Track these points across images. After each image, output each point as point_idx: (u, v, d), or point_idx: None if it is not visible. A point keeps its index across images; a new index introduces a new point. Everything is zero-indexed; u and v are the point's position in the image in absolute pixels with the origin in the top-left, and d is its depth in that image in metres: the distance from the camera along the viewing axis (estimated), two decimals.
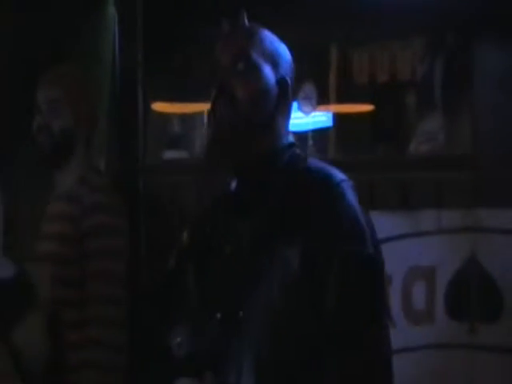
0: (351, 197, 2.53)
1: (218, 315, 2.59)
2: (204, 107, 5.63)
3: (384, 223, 3.40)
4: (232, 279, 2.63)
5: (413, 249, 3.79)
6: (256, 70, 2.57)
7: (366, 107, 4.33)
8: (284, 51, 2.68)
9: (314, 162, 2.66)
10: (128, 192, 4.42)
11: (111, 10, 4.76)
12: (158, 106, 4.90)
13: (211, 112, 2.58)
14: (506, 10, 3.63)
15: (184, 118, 5.84)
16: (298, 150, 2.68)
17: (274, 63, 2.62)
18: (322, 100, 4.23)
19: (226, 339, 2.62)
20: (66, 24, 4.96)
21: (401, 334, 3.68)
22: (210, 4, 4.70)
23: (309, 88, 4.21)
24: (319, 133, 4.38)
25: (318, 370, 2.53)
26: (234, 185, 2.70)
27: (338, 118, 4.40)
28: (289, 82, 2.63)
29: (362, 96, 4.31)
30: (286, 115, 2.67)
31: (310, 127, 4.51)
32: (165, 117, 5.11)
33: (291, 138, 2.72)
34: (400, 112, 4.35)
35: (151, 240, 4.52)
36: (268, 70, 2.59)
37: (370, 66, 4.16)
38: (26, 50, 4.75)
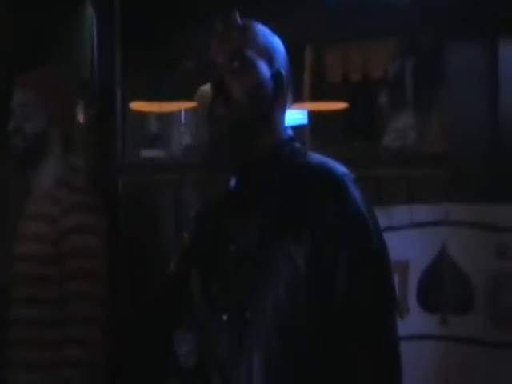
0: (354, 190, 2.53)
1: (225, 317, 2.61)
2: (181, 106, 5.67)
3: None
4: (237, 279, 2.63)
5: (387, 243, 3.79)
6: (251, 67, 2.58)
7: (340, 105, 4.37)
8: (278, 44, 2.70)
9: (315, 155, 2.66)
10: (107, 191, 4.45)
11: (89, 10, 4.76)
12: (136, 105, 4.92)
13: (210, 111, 2.59)
14: (474, 11, 3.62)
15: (161, 117, 5.90)
16: (297, 144, 2.70)
17: (269, 57, 2.63)
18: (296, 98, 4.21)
19: (234, 341, 2.61)
20: (44, 24, 4.97)
21: None
22: (188, 3, 4.72)
23: None
24: (294, 130, 4.39)
25: (327, 365, 2.54)
26: (234, 183, 2.71)
27: (312, 115, 4.44)
28: (283, 74, 2.63)
29: (335, 94, 4.35)
30: (283, 108, 2.68)
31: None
32: (142, 116, 5.15)
33: (290, 132, 2.72)
34: (372, 110, 4.37)
35: (129, 239, 4.54)
36: (263, 66, 2.60)
37: (343, 65, 4.22)
38: (4, 50, 4.77)
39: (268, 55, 2.63)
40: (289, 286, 2.50)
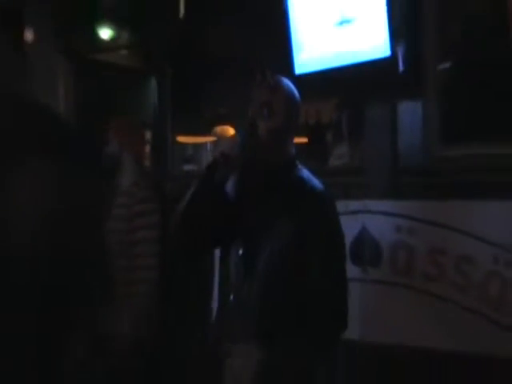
0: (329, 201, 2.62)
1: (240, 251, 2.64)
2: (206, 139, 5.48)
3: None
4: (251, 231, 2.61)
5: None
6: (275, 115, 2.56)
7: (303, 139, 4.34)
8: (295, 97, 2.64)
9: (306, 172, 2.65)
10: (161, 190, 4.37)
11: (152, 79, 4.89)
12: (180, 138, 4.94)
13: (247, 140, 2.57)
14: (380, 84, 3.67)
15: (195, 145, 5.98)
16: (297, 162, 2.68)
17: (288, 109, 2.60)
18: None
19: (243, 267, 2.62)
20: (126, 87, 5.14)
21: None
22: (214, 70, 4.72)
23: None
24: None
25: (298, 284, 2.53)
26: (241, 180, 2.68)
27: None
28: (296, 120, 2.66)
29: (300, 131, 4.02)
30: (292, 138, 2.69)
31: None
32: (183, 144, 5.13)
33: (294, 151, 2.69)
34: (323, 142, 4.32)
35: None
36: (283, 115, 2.57)
37: (306, 115, 4.17)
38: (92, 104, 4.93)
39: (288, 105, 2.61)
40: (281, 243, 2.52)
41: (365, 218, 3.78)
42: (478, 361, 3.35)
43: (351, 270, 3.58)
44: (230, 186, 2.69)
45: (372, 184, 3.81)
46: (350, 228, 3.71)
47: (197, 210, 2.60)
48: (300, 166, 2.67)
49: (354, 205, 3.79)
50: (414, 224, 3.63)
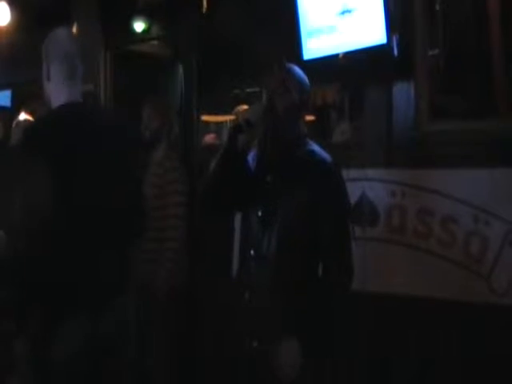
0: (337, 171, 2.66)
1: (259, 213, 2.63)
2: (227, 118, 5.71)
3: None
4: (270, 198, 2.62)
5: None
6: (289, 93, 2.61)
7: (310, 117, 4.26)
8: (305, 79, 2.68)
9: (315, 146, 2.67)
10: (189, 161, 4.52)
11: (180, 70, 4.87)
12: (204, 117, 4.99)
13: (264, 114, 2.56)
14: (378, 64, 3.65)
15: (218, 123, 5.98)
16: (307, 138, 2.70)
17: (300, 87, 2.64)
18: None
19: (262, 227, 2.62)
20: (157, 74, 5.20)
21: None
22: (231, 58, 4.83)
23: None
24: None
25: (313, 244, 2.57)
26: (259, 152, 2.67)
27: None
28: (306, 99, 2.67)
29: (309, 112, 4.01)
30: (304, 115, 2.74)
31: None
32: (207, 123, 5.23)
33: (305, 129, 2.71)
34: (328, 121, 4.36)
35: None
36: (295, 93, 2.61)
37: (313, 96, 3.91)
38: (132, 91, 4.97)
39: (299, 86, 2.64)
40: (294, 207, 2.56)
41: (364, 185, 3.78)
42: (460, 306, 3.39)
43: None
44: (251, 156, 2.69)
45: (370, 155, 3.81)
46: (351, 193, 3.45)
47: (222, 175, 2.62)
48: (311, 142, 2.70)
49: (354, 173, 3.77)
50: (406, 189, 3.63)
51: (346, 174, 3.53)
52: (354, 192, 3.74)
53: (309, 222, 2.56)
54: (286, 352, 2.47)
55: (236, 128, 2.59)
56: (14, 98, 6.18)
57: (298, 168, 2.61)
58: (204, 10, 4.53)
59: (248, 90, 5.62)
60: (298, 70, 2.69)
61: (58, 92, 2.61)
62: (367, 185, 3.77)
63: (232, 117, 4.90)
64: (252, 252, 2.63)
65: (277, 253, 2.56)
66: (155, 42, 5.29)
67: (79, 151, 2.50)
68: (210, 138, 5.48)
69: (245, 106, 4.11)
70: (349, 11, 3.61)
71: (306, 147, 2.66)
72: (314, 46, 3.81)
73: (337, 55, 3.69)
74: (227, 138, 2.62)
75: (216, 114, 5.84)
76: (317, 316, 2.49)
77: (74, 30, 4.75)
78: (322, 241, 2.55)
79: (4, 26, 5.32)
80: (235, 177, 2.60)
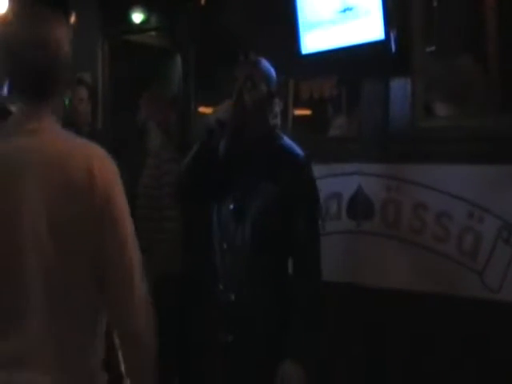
0: (308, 165, 2.66)
1: (231, 206, 2.65)
2: None
3: (320, 169, 3.30)
4: (242, 192, 2.65)
5: (331, 183, 3.77)
6: (257, 86, 2.63)
7: (307, 111, 4.38)
8: (272, 72, 2.70)
9: (286, 140, 2.70)
10: (184, 154, 4.62)
11: (178, 61, 4.88)
12: (201, 109, 4.91)
13: (233, 108, 2.59)
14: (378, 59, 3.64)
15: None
16: (278, 131, 2.72)
17: (267, 80, 2.66)
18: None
19: (235, 219, 2.64)
20: (153, 64, 5.21)
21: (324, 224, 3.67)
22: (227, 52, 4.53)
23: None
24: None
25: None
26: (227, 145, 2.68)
27: (294, 117, 4.31)
28: (274, 91, 2.68)
29: (305, 106, 4.31)
30: (273, 108, 2.70)
31: None
32: (204, 114, 4.92)
33: (276, 122, 2.72)
34: (325, 115, 4.30)
35: None
36: (263, 86, 2.64)
37: (310, 90, 4.16)
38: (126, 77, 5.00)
39: (267, 79, 2.67)
40: (266, 201, 2.59)
41: (360, 179, 3.78)
42: (453, 301, 3.41)
43: (348, 224, 3.82)
44: (220, 147, 2.71)
45: (366, 150, 3.81)
46: (347, 187, 3.81)
47: (196, 168, 2.65)
48: (282, 135, 2.70)
49: (350, 168, 3.79)
50: (401, 184, 3.64)
51: (343, 168, 3.82)
52: (349, 186, 3.79)
53: (281, 217, 2.58)
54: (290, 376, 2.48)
55: (209, 132, 2.61)
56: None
57: (268, 163, 2.62)
58: (202, 1, 4.54)
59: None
60: (264, 62, 2.70)
61: None
62: (363, 179, 3.77)
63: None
64: (225, 245, 2.65)
65: (249, 246, 2.58)
66: (153, 33, 5.33)
67: None
68: None
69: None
70: (350, 9, 3.63)
71: (277, 141, 2.67)
72: (311, 41, 3.81)
73: (335, 50, 3.69)
74: (200, 142, 2.65)
75: (214, 105, 5.81)
76: (301, 320, 2.53)
77: (72, 18, 4.75)
78: (294, 235, 2.58)
79: (2, 14, 5.29)
80: (207, 170, 2.63)
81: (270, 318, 2.59)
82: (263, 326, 2.58)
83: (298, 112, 4.42)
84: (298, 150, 2.67)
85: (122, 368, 1.75)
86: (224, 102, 2.65)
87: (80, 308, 1.69)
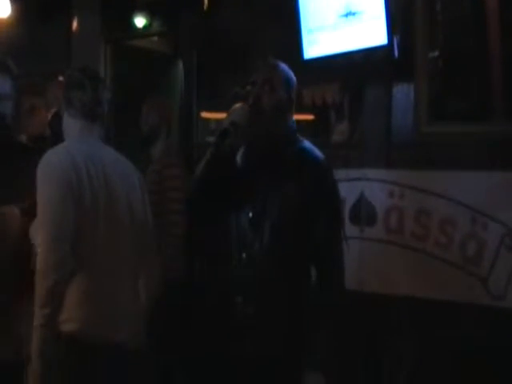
0: (329, 169, 2.58)
1: (250, 214, 2.57)
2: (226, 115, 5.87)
3: None
4: (261, 199, 2.56)
5: None
6: (275, 90, 2.55)
7: (309, 116, 4.33)
8: (291, 76, 2.63)
9: (307, 143, 2.61)
10: (187, 157, 4.48)
11: (180, 66, 4.89)
12: (204, 114, 4.95)
13: (251, 113, 2.52)
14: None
15: (217, 120, 6.03)
16: (298, 134, 2.64)
17: (286, 84, 2.58)
18: None
19: (253, 227, 2.56)
20: (157, 71, 5.24)
21: None
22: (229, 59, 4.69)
23: None
24: None
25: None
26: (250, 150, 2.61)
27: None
28: (293, 95, 2.61)
29: (307, 110, 4.26)
30: (291, 112, 2.62)
31: None
32: (206, 120, 5.13)
33: (294, 125, 2.64)
34: (328, 121, 4.28)
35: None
36: (282, 90, 2.56)
37: (312, 96, 4.16)
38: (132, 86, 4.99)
39: (286, 83, 2.59)
40: (287, 206, 2.50)
41: (363, 185, 3.78)
42: (457, 307, 3.41)
43: (351, 230, 3.76)
44: (239, 156, 2.64)
45: (369, 156, 3.82)
46: (350, 193, 3.79)
47: (210, 178, 2.55)
48: (301, 138, 2.63)
49: (353, 174, 3.78)
50: (404, 190, 3.64)
51: (346, 174, 3.77)
52: (352, 192, 3.78)
53: (301, 223, 2.50)
54: None
55: (223, 133, 2.52)
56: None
57: (288, 167, 2.55)
58: (205, 6, 4.54)
59: (248, 87, 5.58)
60: (283, 66, 2.64)
61: None
62: (366, 185, 3.77)
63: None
64: (244, 254, 2.58)
65: (269, 256, 2.51)
66: (156, 38, 5.31)
67: None
68: None
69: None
70: (353, 14, 3.63)
71: (297, 145, 2.60)
72: (314, 46, 3.82)
73: (338, 55, 3.69)
74: (213, 144, 2.55)
75: (216, 110, 5.81)
76: (323, 323, 2.47)
77: (75, 23, 4.75)
78: (316, 242, 2.50)
79: (5, 19, 5.30)
80: (223, 179, 2.55)
81: (291, 335, 2.49)
82: (283, 342, 2.49)
83: (301, 118, 4.29)
84: (318, 153, 2.60)
85: None
86: (237, 105, 2.58)
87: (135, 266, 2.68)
